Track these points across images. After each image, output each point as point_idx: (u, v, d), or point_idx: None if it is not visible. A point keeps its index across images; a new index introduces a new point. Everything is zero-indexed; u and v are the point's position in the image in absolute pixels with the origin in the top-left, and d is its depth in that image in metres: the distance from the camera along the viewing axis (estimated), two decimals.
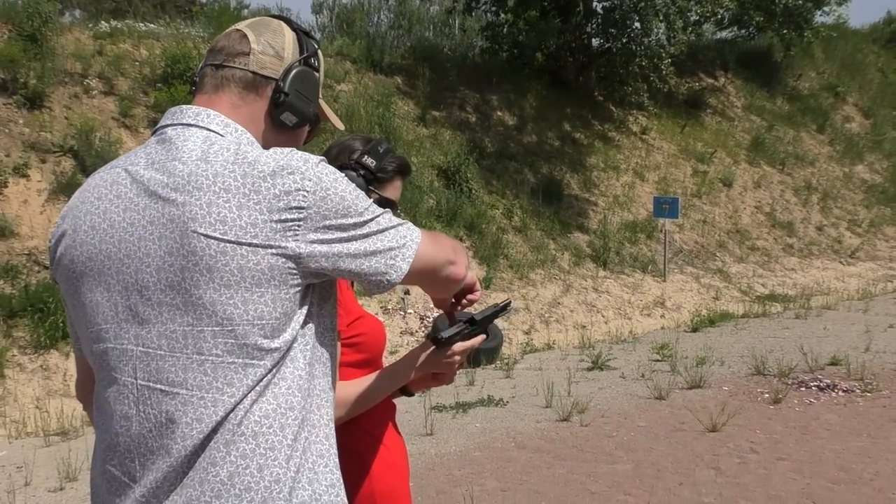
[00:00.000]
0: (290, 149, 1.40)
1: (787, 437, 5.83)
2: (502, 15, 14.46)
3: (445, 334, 1.78)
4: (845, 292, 12.41)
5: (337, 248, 1.38)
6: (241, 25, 1.56)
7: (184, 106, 1.48)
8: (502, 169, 12.47)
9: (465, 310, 1.83)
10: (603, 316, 10.52)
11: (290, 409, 1.38)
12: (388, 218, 1.45)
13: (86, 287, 1.42)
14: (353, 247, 1.39)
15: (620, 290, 11.21)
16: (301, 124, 1.56)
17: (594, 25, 14.40)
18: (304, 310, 1.40)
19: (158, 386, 1.35)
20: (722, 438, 5.84)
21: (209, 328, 1.33)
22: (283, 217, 1.33)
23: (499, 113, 13.56)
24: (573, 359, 8.66)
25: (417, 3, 17.33)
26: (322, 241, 1.36)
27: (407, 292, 9.48)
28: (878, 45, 21.50)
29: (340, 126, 1.73)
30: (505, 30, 14.33)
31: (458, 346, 1.80)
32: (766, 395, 6.90)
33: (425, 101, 12.82)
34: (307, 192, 1.35)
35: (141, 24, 11.18)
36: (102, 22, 10.85)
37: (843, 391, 6.96)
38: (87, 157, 8.70)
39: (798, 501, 4.65)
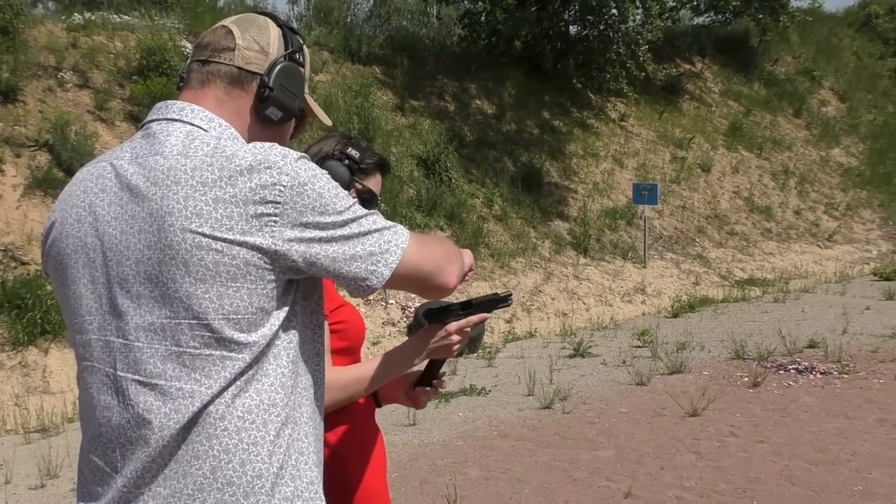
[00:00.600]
0: (271, 144, 1.41)
1: (766, 420, 5.90)
2: (480, 3, 14.43)
3: (434, 306, 1.77)
4: (823, 275, 12.55)
5: (315, 248, 1.37)
6: (226, 21, 1.57)
7: (169, 101, 1.50)
8: (482, 158, 12.47)
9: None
10: (584, 303, 10.57)
11: (273, 405, 1.39)
12: (371, 220, 1.43)
13: (71, 279, 1.45)
14: (332, 249, 1.38)
15: (601, 277, 11.27)
16: (286, 119, 1.56)
17: (571, 13, 14.40)
18: (287, 307, 1.41)
19: (137, 377, 1.37)
20: (702, 423, 5.89)
21: (186, 321, 1.35)
22: (258, 211, 1.33)
23: (477, 101, 13.55)
24: (555, 346, 8.70)
25: None
26: (300, 240, 1.36)
27: None
28: (853, 29, 21.66)
29: (327, 121, 1.73)
30: (483, 18, 14.30)
31: (453, 324, 1.77)
32: (746, 379, 6.97)
33: (404, 90, 12.78)
34: (283, 186, 1.35)
35: (115, 16, 11.05)
36: (76, 14, 10.71)
37: (821, 373, 7.05)
38: (63, 151, 8.61)
39: (777, 483, 4.71)
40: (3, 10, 9.26)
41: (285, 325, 1.42)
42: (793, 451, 5.22)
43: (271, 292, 1.38)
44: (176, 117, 1.46)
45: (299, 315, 1.44)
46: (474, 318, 1.78)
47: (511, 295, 1.86)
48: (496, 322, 9.61)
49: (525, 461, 5.27)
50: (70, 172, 8.64)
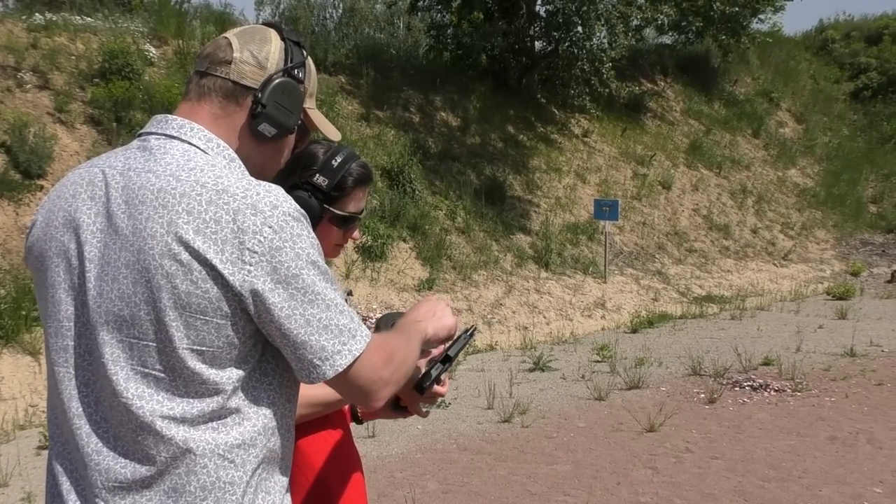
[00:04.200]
0: (269, 187, 1.38)
1: (721, 437, 5.98)
2: (447, 16, 14.49)
3: (427, 383, 1.77)
4: (778, 293, 12.78)
5: (276, 314, 1.34)
6: (230, 33, 1.55)
7: (169, 116, 1.48)
8: (446, 170, 12.51)
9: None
10: (545, 317, 10.64)
11: (253, 446, 1.40)
12: (338, 312, 1.37)
13: (51, 282, 1.44)
14: (288, 323, 1.35)
15: (562, 292, 11.35)
16: (280, 136, 1.53)
17: (537, 28, 14.53)
18: (261, 347, 1.40)
19: (100, 391, 1.38)
20: (659, 438, 5.96)
21: (153, 344, 1.35)
22: (234, 255, 1.32)
23: (442, 114, 13.60)
24: (515, 360, 8.74)
25: (361, 1, 17.27)
26: (264, 299, 1.33)
27: (350, 293, 9.40)
28: (811, 53, 22.17)
29: (336, 136, 1.69)
30: (449, 31, 14.37)
31: (437, 388, 1.81)
32: (702, 395, 7.07)
33: (369, 100, 12.78)
34: (264, 237, 1.33)
35: (77, 18, 10.89)
36: (37, 14, 10.54)
37: (775, 391, 7.18)
38: (21, 153, 8.45)
39: (731, 499, 4.78)
40: None
41: (263, 368, 1.42)
42: (746, 468, 5.31)
43: (242, 330, 1.37)
44: (175, 134, 1.44)
45: (279, 357, 1.42)
46: (445, 386, 1.84)
47: (475, 328, 1.92)
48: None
49: (484, 475, 5.29)
50: (28, 175, 8.49)
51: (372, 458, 5.58)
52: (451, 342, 1.79)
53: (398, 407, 1.89)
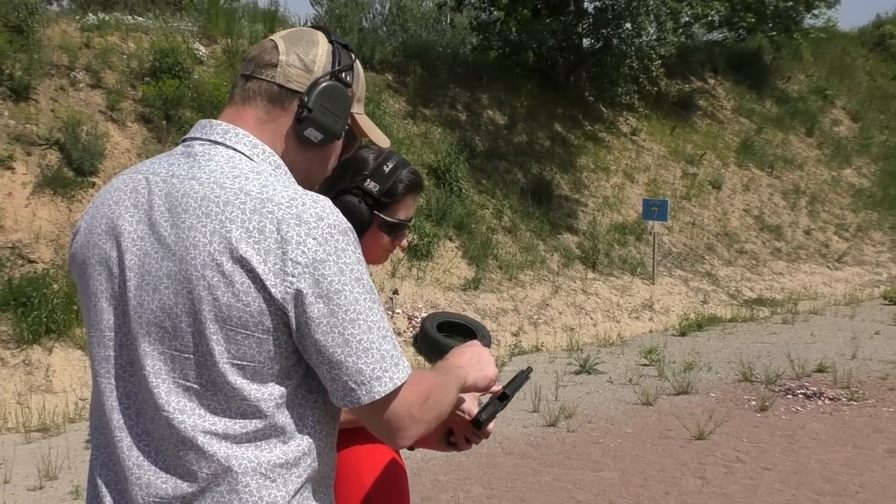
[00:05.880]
0: (316, 197, 1.34)
1: (773, 447, 5.83)
2: (493, 13, 14.40)
3: (485, 415, 1.72)
4: (832, 297, 12.46)
5: (313, 329, 1.29)
6: (276, 35, 1.51)
7: (214, 121, 1.45)
8: (492, 168, 12.43)
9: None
10: (591, 318, 10.51)
11: (297, 465, 1.36)
12: (381, 334, 1.32)
13: (93, 290, 1.41)
14: (325, 343, 1.29)
15: (609, 293, 11.21)
16: (327, 141, 1.48)
17: (585, 26, 14.36)
18: (304, 362, 1.35)
19: (141, 403, 1.35)
20: (709, 446, 5.83)
21: (193, 357, 1.31)
22: (277, 265, 1.28)
23: (489, 112, 13.52)
24: (561, 362, 8.64)
25: None
26: (303, 312, 1.28)
27: (395, 292, 9.43)
28: (867, 49, 21.57)
29: (385, 143, 1.65)
30: (497, 28, 14.28)
31: (491, 425, 1.75)
32: (753, 403, 6.90)
33: (415, 98, 12.76)
34: (307, 249, 1.29)
35: (129, 17, 11.05)
36: (90, 14, 10.72)
37: (830, 399, 6.97)
38: (74, 151, 8.60)
39: None
40: (18, 9, 9.27)
41: (308, 385, 1.37)
42: (800, 481, 5.15)
43: (284, 345, 1.33)
44: (219, 140, 1.41)
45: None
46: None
47: (531, 369, 1.86)
48: (502, 335, 9.56)
49: (528, 480, 5.22)
50: (80, 172, 8.64)
51: (416, 461, 5.55)
52: (508, 382, 1.76)
53: (449, 442, 1.84)
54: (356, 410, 1.34)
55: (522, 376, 1.81)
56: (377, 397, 1.31)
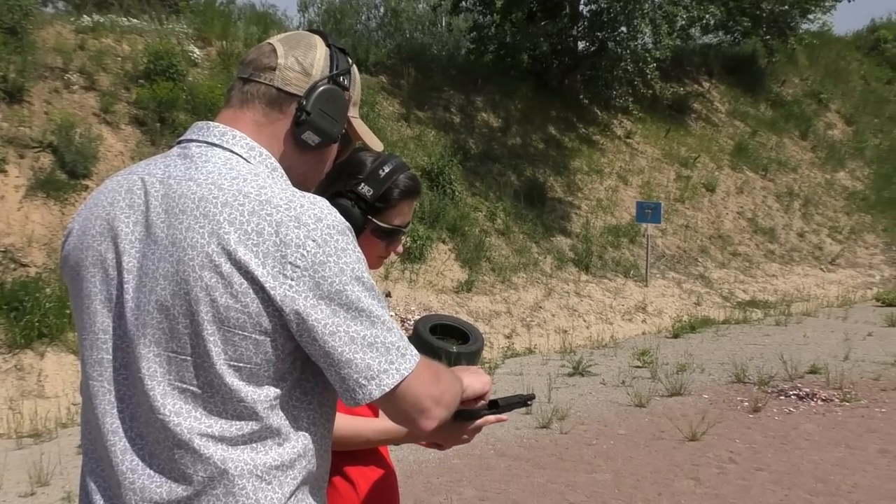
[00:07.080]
0: (314, 199, 1.34)
1: (766, 447, 5.84)
2: (489, 16, 14.42)
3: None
4: (825, 299, 12.49)
5: (318, 331, 1.29)
6: (274, 39, 1.51)
7: (210, 123, 1.44)
8: (486, 171, 12.44)
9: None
10: (584, 320, 10.52)
11: (291, 467, 1.35)
12: (385, 328, 1.33)
13: (87, 292, 1.40)
14: (332, 343, 1.30)
15: (602, 295, 11.22)
16: (325, 144, 1.48)
17: (580, 28, 14.39)
18: (300, 364, 1.35)
19: (136, 406, 1.34)
20: (701, 448, 5.84)
21: (190, 358, 1.31)
22: (276, 268, 1.27)
23: (483, 114, 13.53)
24: (554, 364, 8.64)
25: (403, 1, 17.28)
26: (306, 316, 1.28)
27: (388, 294, 9.42)
28: (861, 53, 21.63)
29: (378, 147, 1.65)
30: (492, 31, 14.30)
31: (480, 421, 1.71)
32: (746, 404, 6.91)
33: (410, 100, 12.76)
34: (307, 251, 1.28)
35: (124, 19, 11.03)
36: (85, 16, 10.70)
37: (822, 400, 6.99)
38: (67, 154, 8.58)
39: None
40: (13, 11, 9.26)
41: (302, 386, 1.37)
42: (793, 481, 5.16)
43: (282, 347, 1.32)
44: (216, 142, 1.40)
45: (319, 375, 1.37)
46: (492, 419, 1.72)
47: (534, 397, 1.80)
48: (495, 337, 9.56)
49: (521, 482, 5.22)
50: (74, 175, 8.62)
51: (408, 463, 5.54)
52: (506, 396, 1.74)
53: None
54: (376, 404, 1.35)
55: (521, 399, 1.76)
56: (387, 389, 1.32)
